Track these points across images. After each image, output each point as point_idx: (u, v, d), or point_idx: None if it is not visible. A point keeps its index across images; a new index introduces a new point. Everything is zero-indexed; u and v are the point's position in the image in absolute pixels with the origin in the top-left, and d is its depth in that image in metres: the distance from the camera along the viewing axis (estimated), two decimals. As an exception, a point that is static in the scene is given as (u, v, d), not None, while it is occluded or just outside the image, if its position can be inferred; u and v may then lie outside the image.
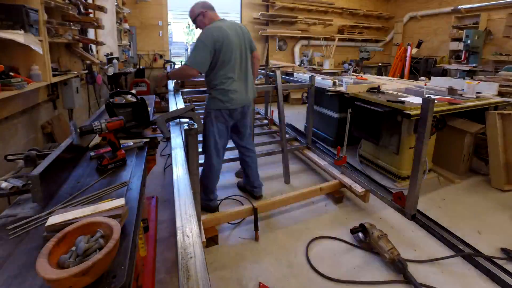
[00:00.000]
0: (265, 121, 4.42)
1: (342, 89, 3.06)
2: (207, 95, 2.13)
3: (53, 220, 0.75)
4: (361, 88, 3.01)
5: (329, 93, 3.17)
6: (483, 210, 2.40)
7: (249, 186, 2.49)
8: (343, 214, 2.31)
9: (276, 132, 4.02)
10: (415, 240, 2.02)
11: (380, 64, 6.76)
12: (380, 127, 2.58)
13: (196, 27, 2.12)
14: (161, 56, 6.01)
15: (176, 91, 2.35)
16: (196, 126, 1.27)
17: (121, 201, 0.84)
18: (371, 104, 2.67)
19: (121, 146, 1.21)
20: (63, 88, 2.51)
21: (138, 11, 5.65)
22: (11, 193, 0.95)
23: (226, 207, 2.33)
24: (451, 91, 2.90)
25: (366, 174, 2.64)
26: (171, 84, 2.46)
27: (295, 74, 4.32)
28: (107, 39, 3.52)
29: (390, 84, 3.54)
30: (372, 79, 4.05)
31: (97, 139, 1.45)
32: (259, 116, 4.66)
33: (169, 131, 1.48)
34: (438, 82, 3.50)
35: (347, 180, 2.49)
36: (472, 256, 1.81)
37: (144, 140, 1.44)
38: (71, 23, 2.44)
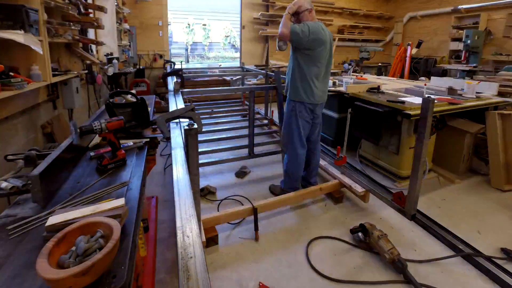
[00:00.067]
0: (265, 121, 4.42)
1: (342, 89, 3.06)
2: (289, 88, 2.29)
3: (53, 220, 0.75)
4: (361, 88, 3.01)
5: (329, 93, 3.16)
6: (483, 210, 2.40)
7: (304, 182, 2.59)
8: (343, 214, 2.31)
9: (276, 132, 4.02)
10: (415, 240, 2.02)
11: (380, 64, 6.75)
12: (380, 127, 2.58)
13: (296, 20, 2.21)
14: (161, 56, 6.01)
15: (176, 91, 2.36)
16: (196, 126, 1.26)
17: (121, 201, 0.84)
18: (371, 104, 2.67)
19: (121, 146, 1.21)
20: (63, 88, 2.51)
21: (138, 11, 5.65)
22: (11, 193, 0.95)
23: (226, 207, 2.33)
24: (451, 91, 2.90)
25: (366, 174, 2.64)
26: (171, 84, 2.46)
27: (295, 74, 4.31)
28: (107, 39, 3.52)
29: (390, 84, 3.55)
30: (372, 79, 4.05)
31: (97, 139, 1.45)
32: (259, 116, 4.65)
33: (169, 131, 1.48)
34: (438, 82, 3.50)
35: (347, 180, 2.49)
36: (472, 256, 1.81)
37: (144, 140, 1.44)
38: (71, 23, 2.44)
